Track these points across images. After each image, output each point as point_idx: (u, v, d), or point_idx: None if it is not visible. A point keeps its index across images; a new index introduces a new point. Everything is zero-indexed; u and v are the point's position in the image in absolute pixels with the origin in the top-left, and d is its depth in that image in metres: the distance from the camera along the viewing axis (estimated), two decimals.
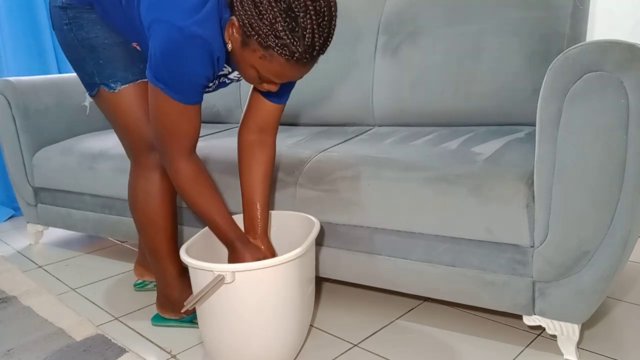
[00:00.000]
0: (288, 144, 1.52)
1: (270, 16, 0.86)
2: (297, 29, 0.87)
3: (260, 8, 0.87)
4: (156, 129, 1.06)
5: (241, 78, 1.12)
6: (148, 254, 1.31)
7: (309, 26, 0.87)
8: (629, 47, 0.90)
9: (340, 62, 1.75)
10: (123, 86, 1.17)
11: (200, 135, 1.83)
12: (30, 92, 1.96)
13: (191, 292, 1.17)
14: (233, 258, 1.13)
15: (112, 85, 1.17)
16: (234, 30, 0.93)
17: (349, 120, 1.77)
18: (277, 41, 0.88)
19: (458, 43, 1.53)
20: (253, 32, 0.89)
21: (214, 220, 1.11)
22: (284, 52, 0.89)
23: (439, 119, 1.58)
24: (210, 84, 1.14)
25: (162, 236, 1.27)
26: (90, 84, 1.19)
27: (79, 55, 1.17)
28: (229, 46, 0.97)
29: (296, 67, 0.92)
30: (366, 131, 1.63)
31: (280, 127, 1.86)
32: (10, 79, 1.95)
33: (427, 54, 1.58)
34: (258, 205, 1.21)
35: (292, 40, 0.88)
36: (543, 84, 0.98)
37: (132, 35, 1.14)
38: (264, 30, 0.87)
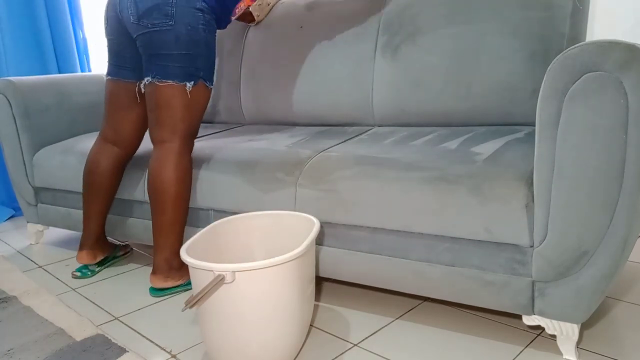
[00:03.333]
0: (288, 144, 1.52)
1: None
2: None
3: None
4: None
5: None
6: (166, 227, 1.46)
7: None
8: (628, 47, 0.90)
9: (340, 62, 1.76)
10: (211, 86, 1.50)
11: (200, 135, 1.84)
12: (30, 92, 1.96)
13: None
14: None
15: (208, 83, 1.48)
16: None
17: (349, 120, 1.77)
18: None
19: (458, 43, 1.53)
20: None
21: None
22: None
23: (439, 119, 1.58)
24: None
25: (187, 210, 1.50)
26: (195, 76, 1.43)
27: (200, 52, 1.43)
28: None
29: None
30: (366, 131, 1.63)
31: (280, 127, 1.88)
32: (11, 79, 1.95)
33: (427, 54, 1.58)
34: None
35: None
36: (542, 83, 0.98)
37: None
38: None
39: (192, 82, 1.42)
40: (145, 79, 1.44)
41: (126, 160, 1.66)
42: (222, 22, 1.53)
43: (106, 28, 1.54)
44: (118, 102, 1.58)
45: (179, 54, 1.40)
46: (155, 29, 1.39)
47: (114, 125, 1.61)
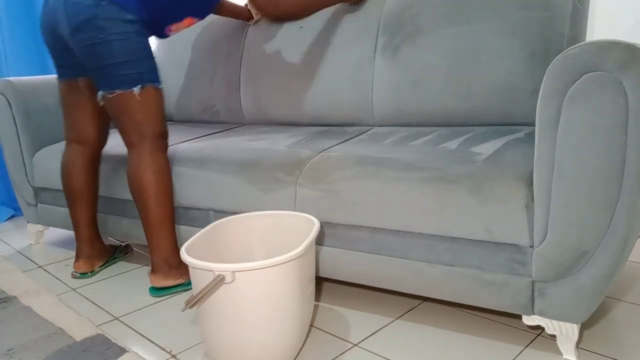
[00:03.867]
0: (288, 144, 1.52)
1: None
2: None
3: None
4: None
5: None
6: (154, 227, 1.49)
7: None
8: (628, 47, 0.90)
9: (340, 62, 1.76)
10: (161, 87, 1.51)
11: (200, 135, 1.84)
12: (30, 92, 1.96)
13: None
14: None
15: (156, 83, 1.49)
16: None
17: (349, 120, 1.77)
18: None
19: (458, 43, 1.53)
20: None
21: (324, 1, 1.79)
22: None
23: (439, 119, 1.58)
24: None
25: (172, 207, 1.52)
26: (141, 80, 1.46)
27: (138, 56, 1.45)
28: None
29: None
30: (366, 131, 1.63)
31: (280, 127, 1.87)
32: (11, 79, 1.95)
33: (427, 54, 1.58)
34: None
35: None
36: (542, 83, 0.98)
37: (178, 12, 1.58)
38: None
39: (139, 86, 1.45)
40: (98, 94, 1.49)
41: (97, 157, 1.71)
42: (157, 33, 1.59)
43: (42, 35, 1.57)
44: (71, 101, 1.64)
45: (118, 63, 1.43)
46: (87, 43, 1.43)
47: (74, 125, 1.66)
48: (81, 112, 1.64)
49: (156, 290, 1.52)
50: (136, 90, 1.44)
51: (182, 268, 1.53)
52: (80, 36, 1.43)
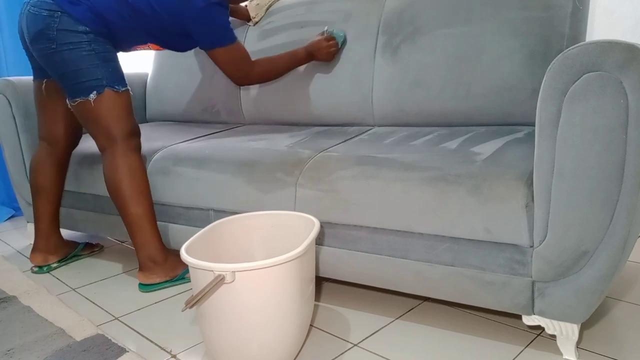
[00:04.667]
0: (288, 144, 1.52)
1: None
2: None
3: None
4: (247, 72, 1.63)
5: None
6: (134, 225, 1.52)
7: None
8: (628, 47, 0.90)
9: (340, 62, 1.76)
10: (123, 89, 1.52)
11: (200, 135, 1.84)
12: (30, 92, 1.96)
13: (172, 255, 1.58)
14: (313, 51, 1.73)
15: (116, 87, 1.50)
16: None
17: (349, 120, 1.77)
18: None
19: (458, 43, 1.53)
20: None
21: (288, 63, 1.71)
22: None
23: (439, 119, 1.58)
24: None
25: (150, 204, 1.54)
26: (97, 86, 1.48)
27: (92, 63, 1.47)
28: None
29: None
30: (366, 131, 1.63)
31: (280, 127, 1.87)
32: (10, 78, 1.95)
33: (427, 54, 1.58)
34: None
35: None
36: (542, 83, 0.98)
37: (142, 39, 1.59)
38: None
39: (95, 92, 1.47)
40: (66, 100, 1.54)
41: (64, 157, 1.75)
42: (121, 48, 1.61)
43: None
44: (42, 101, 1.69)
45: (71, 72, 1.46)
46: (43, 52, 1.47)
47: (45, 125, 1.71)
48: (51, 113, 1.69)
49: (144, 286, 1.56)
50: (92, 96, 1.47)
51: (168, 264, 1.56)
52: (36, 46, 1.48)
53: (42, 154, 1.73)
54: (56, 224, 1.79)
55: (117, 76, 1.51)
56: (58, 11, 1.43)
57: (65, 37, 1.44)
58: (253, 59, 1.65)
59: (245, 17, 2.01)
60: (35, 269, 1.76)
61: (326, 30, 1.75)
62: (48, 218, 1.76)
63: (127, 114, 1.53)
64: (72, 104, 1.51)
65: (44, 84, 1.65)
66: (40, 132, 1.73)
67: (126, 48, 1.63)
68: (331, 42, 1.71)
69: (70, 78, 1.48)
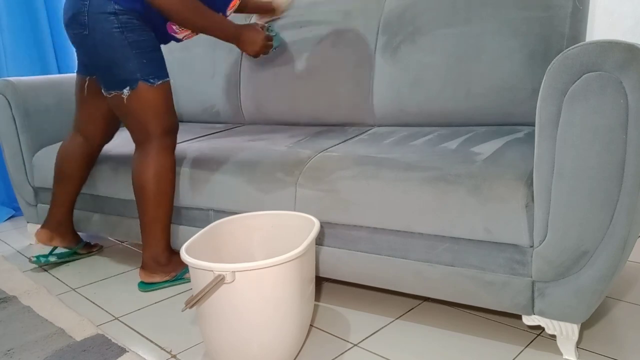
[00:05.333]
0: (288, 144, 1.52)
1: None
2: None
3: None
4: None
5: None
6: (149, 225, 1.50)
7: None
8: (628, 47, 0.90)
9: (340, 62, 1.76)
10: (160, 82, 1.44)
11: (201, 135, 1.84)
12: (30, 92, 1.96)
13: (175, 256, 1.57)
14: (246, 40, 1.54)
15: (152, 80, 1.42)
16: None
17: (349, 120, 1.77)
18: None
19: (458, 43, 1.53)
20: None
21: (212, 27, 1.46)
22: None
23: (439, 119, 1.58)
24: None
25: (170, 207, 1.52)
26: (130, 80, 1.40)
27: (124, 54, 1.38)
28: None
29: None
30: (366, 131, 1.63)
31: (280, 127, 1.87)
32: (10, 79, 1.95)
33: (427, 54, 1.58)
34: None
35: None
36: (542, 83, 0.98)
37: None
38: None
39: (128, 88, 1.41)
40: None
41: (96, 152, 1.73)
42: (157, 31, 1.46)
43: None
44: (82, 96, 1.65)
45: (106, 65, 1.41)
46: (75, 39, 1.43)
47: (82, 118, 1.68)
48: (90, 111, 1.66)
49: (144, 285, 1.56)
50: (126, 92, 1.41)
51: (170, 266, 1.56)
52: (70, 31, 1.43)
53: (75, 145, 1.70)
54: (71, 213, 1.78)
55: (153, 67, 1.42)
56: None
57: (97, 22, 1.35)
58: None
59: (267, 10, 1.88)
60: (34, 259, 1.75)
61: (269, 28, 1.64)
62: (66, 205, 1.75)
63: (164, 109, 1.46)
64: (107, 95, 1.45)
65: (87, 82, 1.60)
66: (77, 124, 1.69)
67: (164, 33, 1.49)
68: (268, 44, 1.59)
69: (103, 69, 1.42)
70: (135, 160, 1.49)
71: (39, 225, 2.04)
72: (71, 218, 1.80)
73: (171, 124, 1.49)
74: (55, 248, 1.81)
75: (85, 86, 1.61)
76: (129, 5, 1.36)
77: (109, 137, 1.73)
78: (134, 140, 1.51)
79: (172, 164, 1.50)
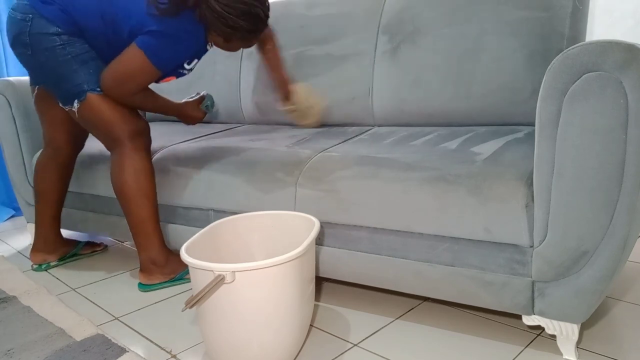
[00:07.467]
0: (288, 144, 1.52)
1: (238, 25, 1.33)
2: (257, 22, 1.35)
3: (230, 23, 1.32)
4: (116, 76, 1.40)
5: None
6: (136, 227, 1.51)
7: (261, 14, 1.35)
8: (628, 47, 0.90)
9: (341, 62, 1.75)
10: None
11: (200, 135, 1.84)
12: (30, 92, 1.96)
13: (173, 256, 1.57)
14: (184, 113, 1.62)
15: (98, 89, 1.43)
16: (217, 39, 1.42)
17: (349, 120, 1.77)
18: (248, 35, 1.37)
19: (458, 43, 1.53)
20: (233, 38, 1.38)
21: (162, 108, 1.54)
22: (255, 35, 1.40)
23: (439, 119, 1.58)
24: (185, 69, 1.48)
25: (153, 206, 1.52)
26: (79, 92, 1.43)
27: (70, 68, 1.40)
28: (211, 46, 1.47)
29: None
30: (366, 131, 1.63)
31: (280, 127, 1.87)
32: (10, 79, 1.95)
33: (427, 54, 1.58)
34: (279, 74, 1.74)
35: (256, 28, 1.37)
36: (542, 83, 0.98)
37: (112, 54, 1.42)
38: (239, 35, 1.37)
39: (76, 101, 1.44)
40: None
41: (67, 163, 1.72)
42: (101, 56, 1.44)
43: None
44: (38, 107, 1.66)
45: (54, 81, 1.43)
46: (22, 58, 1.45)
47: (46, 129, 1.69)
48: (49, 119, 1.65)
49: (144, 286, 1.56)
50: (76, 105, 1.44)
51: (169, 266, 1.56)
52: (15, 51, 1.45)
53: (45, 159, 1.70)
54: (56, 226, 1.78)
55: (98, 76, 1.42)
56: (30, 14, 1.36)
57: (39, 42, 1.38)
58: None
59: (282, 82, 1.75)
60: (35, 267, 1.78)
61: (205, 105, 1.67)
62: (48, 221, 1.75)
63: (121, 114, 1.46)
64: (66, 109, 1.48)
65: (36, 90, 1.61)
66: (44, 136, 1.70)
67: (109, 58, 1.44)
68: (200, 116, 1.66)
69: (53, 86, 1.45)
70: (111, 165, 1.51)
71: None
72: (58, 231, 1.79)
73: (136, 126, 1.48)
74: None
75: (35, 95, 1.62)
76: (66, 28, 1.38)
77: (77, 144, 1.71)
78: (106, 148, 1.53)
79: (148, 163, 1.50)
